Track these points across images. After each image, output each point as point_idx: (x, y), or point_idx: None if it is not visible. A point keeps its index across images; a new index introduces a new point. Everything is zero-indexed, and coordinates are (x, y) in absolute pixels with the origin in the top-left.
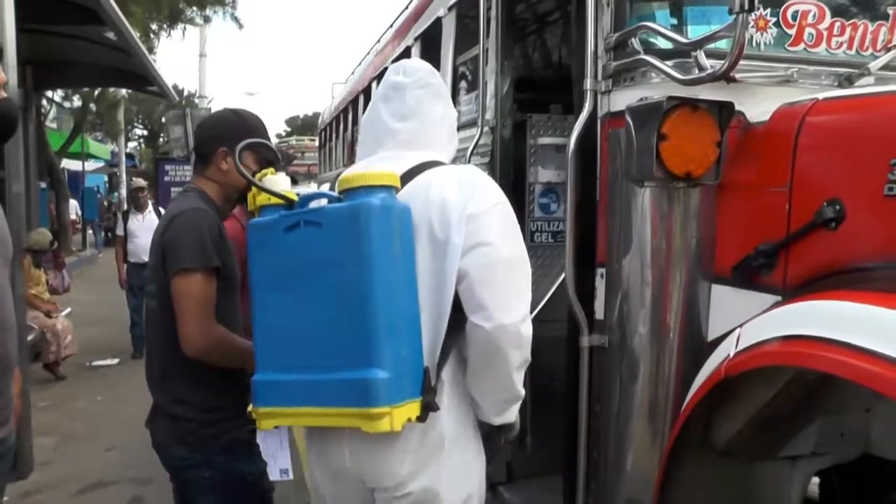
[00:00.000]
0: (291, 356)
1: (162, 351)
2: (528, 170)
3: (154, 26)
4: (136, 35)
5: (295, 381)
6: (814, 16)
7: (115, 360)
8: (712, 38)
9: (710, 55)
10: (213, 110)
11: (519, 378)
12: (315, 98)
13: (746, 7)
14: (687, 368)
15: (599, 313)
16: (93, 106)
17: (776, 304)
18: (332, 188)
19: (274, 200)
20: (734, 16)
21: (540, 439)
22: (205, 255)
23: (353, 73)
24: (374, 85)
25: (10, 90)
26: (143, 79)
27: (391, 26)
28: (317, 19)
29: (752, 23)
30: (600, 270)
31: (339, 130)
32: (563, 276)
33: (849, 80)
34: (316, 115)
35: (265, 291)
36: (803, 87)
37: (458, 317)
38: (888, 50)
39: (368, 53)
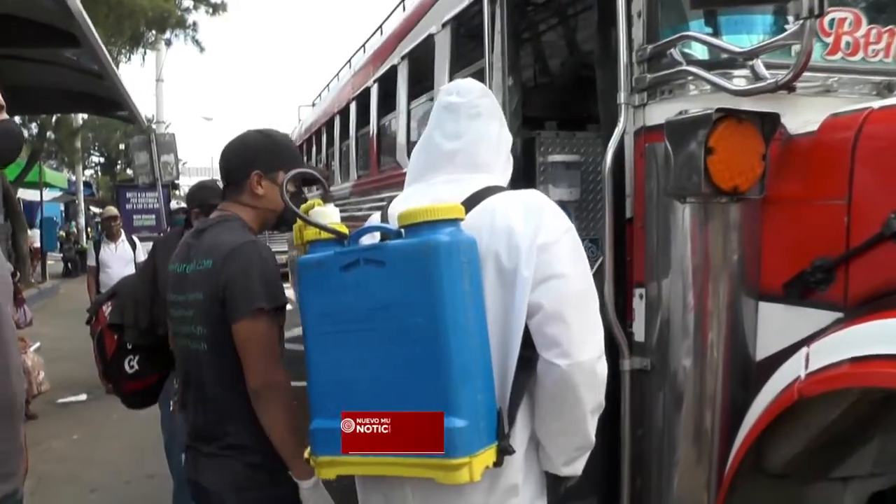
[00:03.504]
0: (353, 402)
1: (217, 396)
2: (537, 188)
3: (114, 51)
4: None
5: None
6: (850, 23)
7: (84, 396)
8: (772, 45)
9: (742, 66)
10: (175, 135)
11: (593, 423)
12: (271, 121)
13: (816, 11)
14: (735, 389)
15: (640, 335)
16: (50, 133)
17: (839, 321)
18: (382, 219)
19: (324, 235)
20: (801, 21)
21: None
22: (272, 294)
23: (320, 96)
24: (352, 105)
25: None
26: (112, 103)
27: (363, 47)
28: (269, 43)
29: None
30: (639, 291)
31: (311, 153)
32: None
33: (888, 89)
34: None
35: (321, 334)
36: (842, 97)
37: (526, 353)
38: None
39: (336, 76)
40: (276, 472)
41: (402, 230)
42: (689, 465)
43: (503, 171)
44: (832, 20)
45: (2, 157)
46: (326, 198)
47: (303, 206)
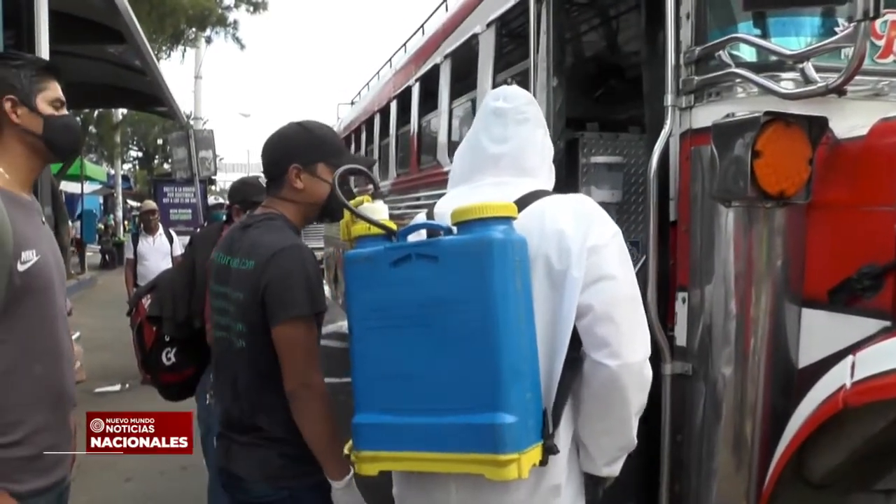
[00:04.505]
0: (400, 398)
1: (252, 391)
2: (580, 189)
3: (155, 48)
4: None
5: (406, 424)
6: None
7: (119, 387)
8: (823, 48)
9: (790, 69)
10: (213, 131)
11: (635, 424)
12: (309, 118)
13: (872, 13)
14: (776, 396)
15: (681, 339)
16: (92, 127)
17: (887, 330)
18: (429, 217)
19: (373, 230)
20: (855, 23)
21: None
22: (312, 300)
23: (359, 94)
24: (392, 104)
25: None
26: (153, 99)
27: (404, 47)
28: (308, 40)
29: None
30: (682, 294)
31: (351, 150)
32: None
33: None
34: None
35: (368, 329)
36: (892, 101)
37: (572, 354)
38: None
39: (377, 75)
40: (310, 463)
41: (454, 227)
42: (729, 473)
43: (547, 178)
44: (885, 22)
45: (63, 150)
46: (376, 194)
47: (352, 202)
